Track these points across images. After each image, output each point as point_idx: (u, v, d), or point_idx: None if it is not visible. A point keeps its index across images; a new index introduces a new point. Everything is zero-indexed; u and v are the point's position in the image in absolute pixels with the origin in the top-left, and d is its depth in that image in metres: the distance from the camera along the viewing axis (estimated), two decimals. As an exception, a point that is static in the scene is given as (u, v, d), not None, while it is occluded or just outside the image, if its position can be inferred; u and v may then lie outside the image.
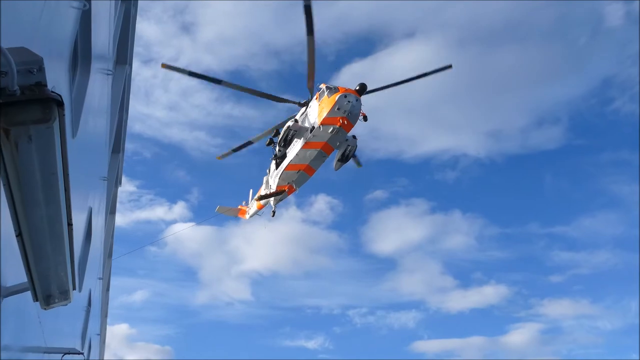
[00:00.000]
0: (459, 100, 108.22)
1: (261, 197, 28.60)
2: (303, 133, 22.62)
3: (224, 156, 30.86)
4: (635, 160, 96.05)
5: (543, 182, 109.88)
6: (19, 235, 4.21)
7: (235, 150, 29.78)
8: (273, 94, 24.20)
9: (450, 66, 24.36)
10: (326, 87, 21.74)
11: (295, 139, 23.18)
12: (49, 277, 5.04)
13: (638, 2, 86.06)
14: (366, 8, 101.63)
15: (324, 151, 22.84)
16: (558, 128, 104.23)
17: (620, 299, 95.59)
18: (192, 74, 24.01)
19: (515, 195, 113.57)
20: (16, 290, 5.42)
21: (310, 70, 21.54)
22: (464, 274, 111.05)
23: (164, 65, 23.39)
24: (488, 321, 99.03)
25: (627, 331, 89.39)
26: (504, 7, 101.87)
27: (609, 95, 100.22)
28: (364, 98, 21.24)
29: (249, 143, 28.61)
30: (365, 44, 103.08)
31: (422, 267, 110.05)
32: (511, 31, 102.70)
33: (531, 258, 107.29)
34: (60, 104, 3.21)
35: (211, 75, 24.80)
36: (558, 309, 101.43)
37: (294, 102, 24.22)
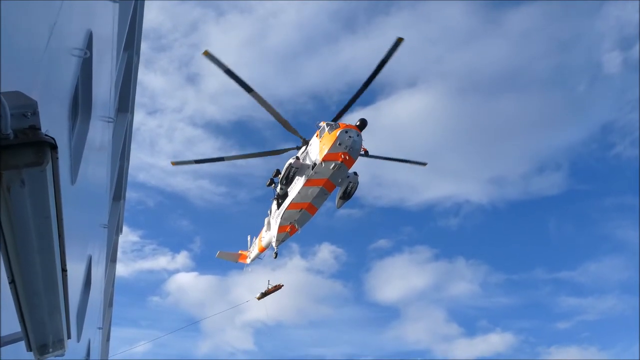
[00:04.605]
0: (460, 147, 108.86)
1: (263, 295, 32.47)
2: (305, 170, 22.70)
3: (179, 163, 28.87)
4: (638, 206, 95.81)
5: (547, 228, 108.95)
6: (12, 281, 4.13)
7: (198, 161, 28.62)
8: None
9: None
10: (326, 124, 21.94)
11: (297, 177, 23.27)
12: (43, 325, 4.93)
13: (637, 50, 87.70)
14: (368, 59, 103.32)
15: (326, 188, 22.89)
16: (560, 174, 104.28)
17: (629, 346, 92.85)
18: (197, 161, 27.36)
19: (519, 241, 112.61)
20: (10, 340, 5.28)
21: (276, 118, 22.84)
22: (469, 321, 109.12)
23: (174, 163, 26.89)
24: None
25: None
26: (503, 57, 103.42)
27: (609, 141, 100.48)
28: (364, 133, 21.50)
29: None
30: (366, 94, 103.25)
31: (427, 314, 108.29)
32: (511, 80, 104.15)
33: (537, 304, 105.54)
34: (53, 146, 3.18)
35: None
36: (566, 356, 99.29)
37: (292, 149, 24.47)
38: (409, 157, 26.70)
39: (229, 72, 22.07)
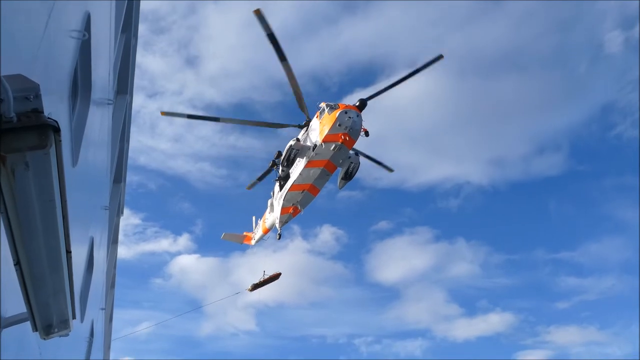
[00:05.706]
0: (461, 128, 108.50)
1: (256, 286, 31.75)
2: (305, 152, 22.57)
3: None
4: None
5: (547, 209, 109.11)
6: (17, 263, 4.18)
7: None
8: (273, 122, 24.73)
9: (441, 56, 23.37)
10: (326, 105, 21.78)
11: (298, 159, 23.17)
12: (48, 305, 4.99)
13: (638, 29, 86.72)
14: (368, 40, 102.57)
15: (327, 169, 22.75)
16: (560, 154, 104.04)
17: (628, 324, 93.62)
18: (190, 116, 25.86)
19: (520, 222, 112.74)
20: (16, 321, 5.35)
21: (296, 93, 21.97)
22: (470, 301, 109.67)
23: (164, 113, 25.46)
24: (495, 349, 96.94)
25: (637, 357, 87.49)
26: (503, 37, 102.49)
27: (610, 121, 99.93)
28: (364, 113, 21.31)
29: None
30: (367, 75, 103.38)
31: (427, 295, 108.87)
32: (511, 60, 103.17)
33: (537, 284, 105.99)
34: (56, 129, 3.20)
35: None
36: (565, 336, 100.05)
37: (293, 126, 24.32)
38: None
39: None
